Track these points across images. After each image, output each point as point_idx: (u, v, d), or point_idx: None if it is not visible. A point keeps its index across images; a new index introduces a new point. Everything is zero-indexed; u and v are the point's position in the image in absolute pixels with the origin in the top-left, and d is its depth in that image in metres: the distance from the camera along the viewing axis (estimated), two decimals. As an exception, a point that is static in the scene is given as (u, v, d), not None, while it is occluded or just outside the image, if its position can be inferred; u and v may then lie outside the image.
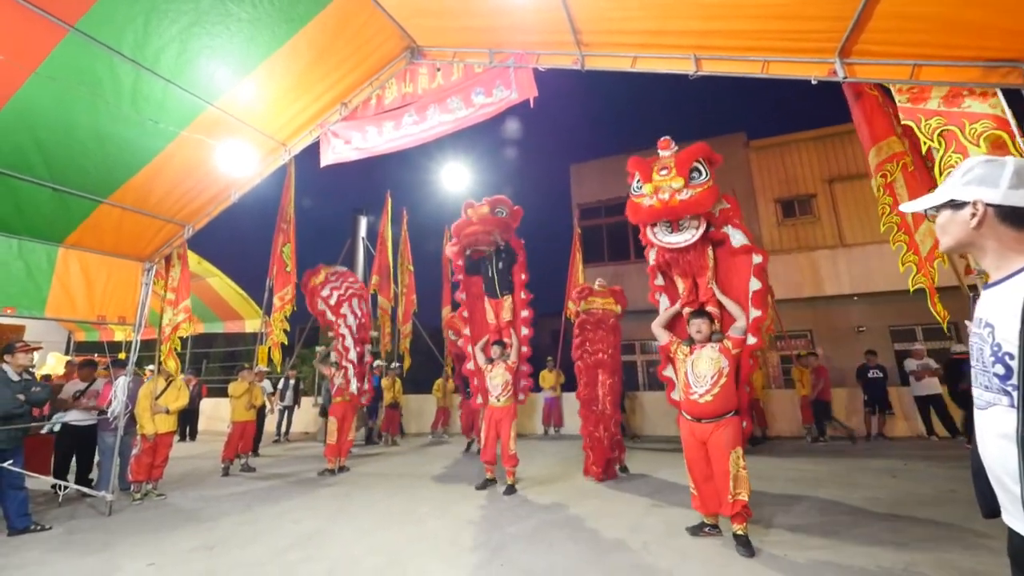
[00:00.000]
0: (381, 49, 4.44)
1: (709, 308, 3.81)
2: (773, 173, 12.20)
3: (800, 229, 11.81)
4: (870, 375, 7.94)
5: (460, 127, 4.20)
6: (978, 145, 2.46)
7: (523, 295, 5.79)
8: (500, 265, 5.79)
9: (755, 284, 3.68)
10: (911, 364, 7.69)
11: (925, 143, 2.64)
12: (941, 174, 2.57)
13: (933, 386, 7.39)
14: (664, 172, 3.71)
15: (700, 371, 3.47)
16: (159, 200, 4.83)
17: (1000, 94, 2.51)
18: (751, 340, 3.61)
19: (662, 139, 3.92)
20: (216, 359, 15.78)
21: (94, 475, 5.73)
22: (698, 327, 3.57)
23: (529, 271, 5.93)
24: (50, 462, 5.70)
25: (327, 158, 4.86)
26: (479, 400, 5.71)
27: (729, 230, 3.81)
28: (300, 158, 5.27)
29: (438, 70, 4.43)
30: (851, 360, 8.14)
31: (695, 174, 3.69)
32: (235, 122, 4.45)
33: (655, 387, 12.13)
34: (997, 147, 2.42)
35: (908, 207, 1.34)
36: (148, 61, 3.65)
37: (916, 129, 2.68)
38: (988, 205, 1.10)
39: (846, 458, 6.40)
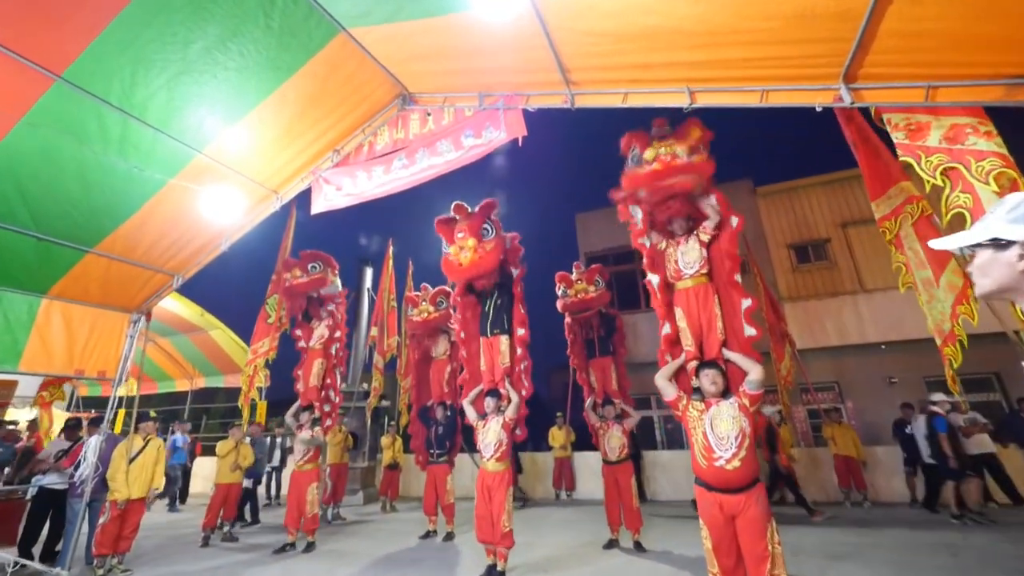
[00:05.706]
0: (372, 96, 4.44)
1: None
2: (783, 218, 12.00)
3: (816, 275, 11.40)
4: (907, 430, 7.05)
5: (449, 169, 4.10)
6: (987, 183, 2.33)
7: (520, 331, 4.87)
8: (499, 301, 5.03)
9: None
10: (956, 419, 6.90)
11: (928, 181, 2.53)
12: (947, 213, 2.45)
13: (985, 444, 6.47)
14: (664, 142, 3.57)
15: (722, 431, 3.00)
16: (147, 249, 4.74)
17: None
18: (750, 331, 3.43)
19: (657, 119, 3.69)
20: (216, 415, 15.38)
21: (61, 546, 5.26)
22: (712, 379, 3.17)
23: (535, 323, 5.16)
24: (18, 530, 5.28)
25: (318, 205, 4.78)
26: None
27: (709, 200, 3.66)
28: (301, 206, 5.17)
29: (428, 115, 4.39)
30: (884, 415, 7.42)
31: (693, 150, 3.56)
32: (225, 170, 4.42)
33: (674, 445, 11.32)
34: (1008, 186, 2.28)
35: (939, 244, 1.20)
36: (136, 110, 3.64)
37: (916, 166, 2.57)
38: None
39: (893, 529, 5.63)
